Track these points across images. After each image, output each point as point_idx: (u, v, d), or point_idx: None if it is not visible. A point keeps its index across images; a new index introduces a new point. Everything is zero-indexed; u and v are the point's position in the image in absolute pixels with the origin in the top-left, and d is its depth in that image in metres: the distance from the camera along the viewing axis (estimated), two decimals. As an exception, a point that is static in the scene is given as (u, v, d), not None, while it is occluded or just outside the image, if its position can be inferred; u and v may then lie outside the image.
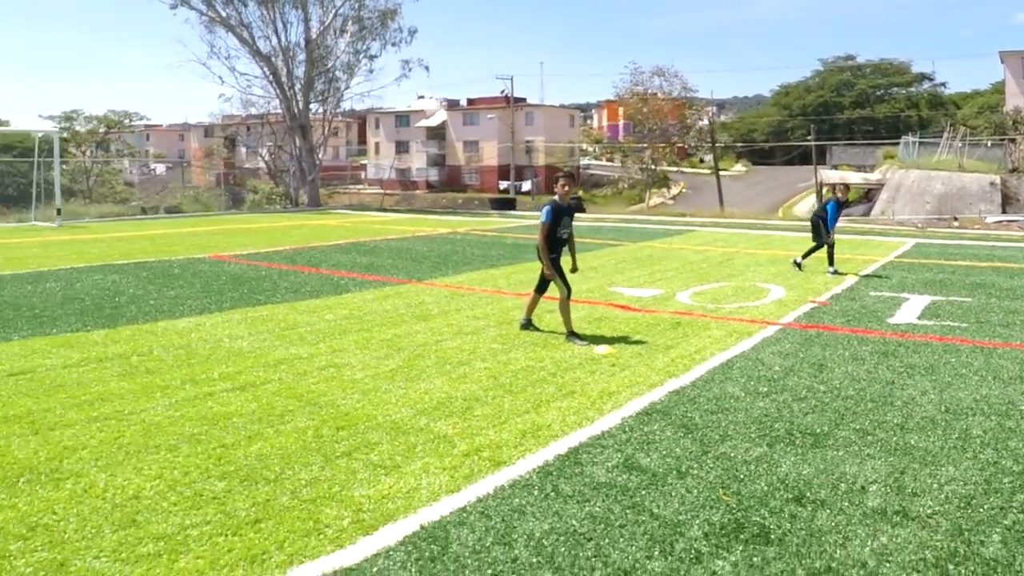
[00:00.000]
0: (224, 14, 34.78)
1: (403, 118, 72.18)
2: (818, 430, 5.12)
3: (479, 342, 7.52)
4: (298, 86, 36.16)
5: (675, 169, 51.10)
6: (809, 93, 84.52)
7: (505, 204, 35.71)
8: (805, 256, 13.20)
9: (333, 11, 35.98)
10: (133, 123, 67.54)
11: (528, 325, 8.07)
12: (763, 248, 16.99)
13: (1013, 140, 39.92)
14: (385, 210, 34.94)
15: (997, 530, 3.67)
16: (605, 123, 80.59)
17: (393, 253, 15.44)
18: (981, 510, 3.89)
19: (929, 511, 3.87)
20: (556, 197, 7.78)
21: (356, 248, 16.38)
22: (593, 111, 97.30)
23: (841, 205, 13.01)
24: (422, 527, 3.67)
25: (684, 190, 54.94)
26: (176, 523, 3.60)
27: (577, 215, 30.48)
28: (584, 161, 67.41)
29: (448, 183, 67.63)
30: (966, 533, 3.64)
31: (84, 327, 7.96)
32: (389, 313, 8.96)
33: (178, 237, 19.01)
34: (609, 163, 67.76)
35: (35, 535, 3.44)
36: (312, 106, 37.20)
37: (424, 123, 70.86)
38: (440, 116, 70.88)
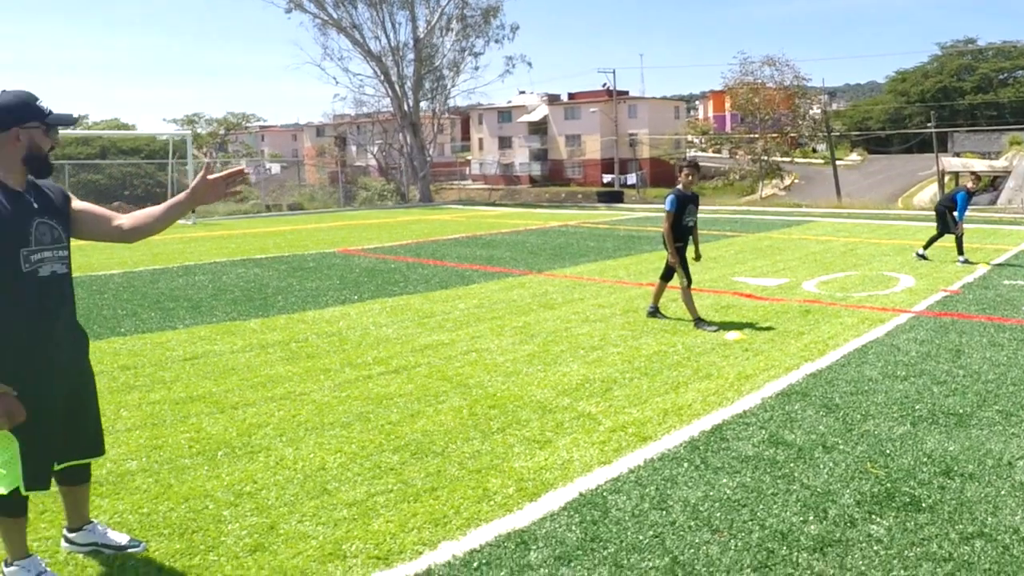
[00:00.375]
0: (335, 16, 36.08)
1: (505, 114, 72.94)
2: (960, 411, 5.13)
3: (608, 329, 7.76)
4: (408, 85, 37.18)
5: (787, 159, 49.83)
6: (927, 79, 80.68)
7: (612, 197, 35.76)
8: (926, 246, 12.89)
9: (439, 10, 36.82)
10: (250, 124, 70.81)
11: (655, 312, 8.25)
12: (887, 238, 16.56)
13: None
14: (494, 205, 35.55)
15: None
16: (711, 114, 79.23)
17: (510, 246, 15.84)
18: None
19: (1088, 490, 3.89)
20: (679, 186, 7.95)
21: (474, 242, 16.87)
22: (697, 102, 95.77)
23: (971, 195, 12.62)
24: (581, 494, 3.94)
25: (796, 180, 53.53)
26: (363, 491, 3.97)
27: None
28: (691, 153, 66.50)
29: (551, 177, 67.96)
30: None
31: (240, 316, 8.61)
32: (516, 302, 9.30)
33: (305, 233, 19.99)
34: (716, 154, 66.65)
35: (242, 502, 3.84)
36: (421, 104, 38.18)
37: (526, 118, 71.39)
38: (542, 111, 71.25)
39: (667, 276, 8.12)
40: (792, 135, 44.80)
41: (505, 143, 72.45)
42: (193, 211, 25.93)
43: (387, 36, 36.57)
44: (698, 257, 8.17)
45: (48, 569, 3.08)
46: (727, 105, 73.71)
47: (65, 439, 3.03)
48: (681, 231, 7.93)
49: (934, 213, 13.33)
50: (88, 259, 14.08)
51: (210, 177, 3.02)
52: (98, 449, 3.21)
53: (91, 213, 3.11)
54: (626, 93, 63.82)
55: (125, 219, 3.11)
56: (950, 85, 77.31)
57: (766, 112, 40.95)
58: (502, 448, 4.59)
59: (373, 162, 54.19)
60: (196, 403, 5.45)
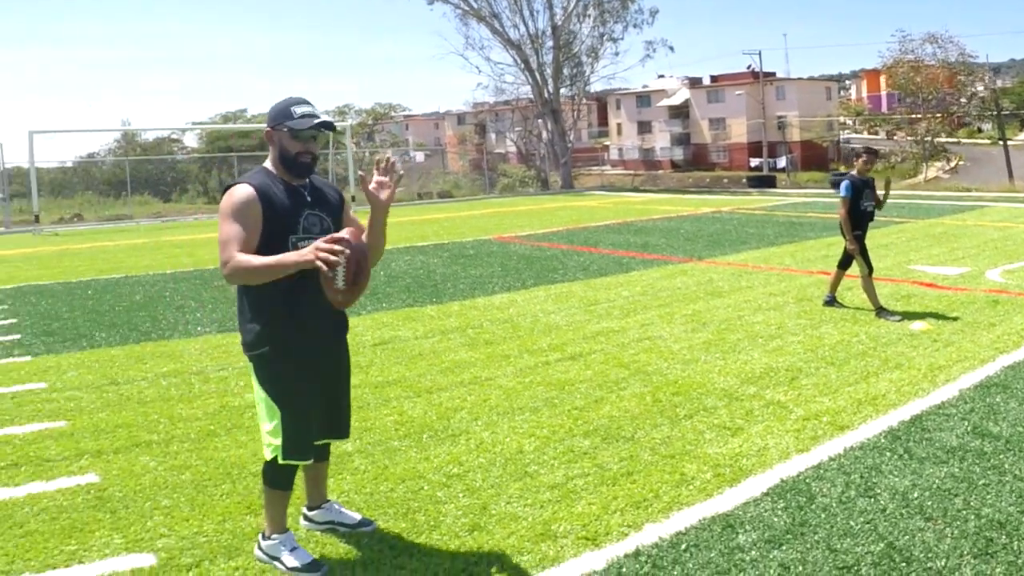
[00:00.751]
0: (475, 5, 36.66)
1: (644, 98, 71.90)
2: None
3: (783, 317, 7.63)
4: (547, 72, 37.36)
5: (953, 140, 46.61)
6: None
7: (764, 182, 34.68)
8: None
9: (575, -3, 36.75)
10: (395, 114, 73.08)
11: (832, 302, 8.03)
12: (1075, 221, 15.32)
13: None
14: (637, 191, 35.26)
15: None
16: (865, 94, 75.14)
17: (664, 233, 15.73)
18: None
19: None
20: (855, 171, 7.79)
21: (626, 229, 16.86)
22: (848, 82, 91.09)
23: None
24: (782, 480, 3.95)
25: (962, 162, 50.07)
26: (561, 475, 4.12)
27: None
28: (844, 135, 63.46)
29: (694, 162, 66.55)
30: None
31: (416, 303, 9.02)
32: (680, 290, 9.27)
33: (458, 220, 20.57)
34: (872, 136, 63.20)
35: (453, 483, 4.05)
36: (561, 90, 38.27)
37: (666, 102, 70.14)
38: (683, 95, 69.81)
39: (845, 264, 7.89)
40: (958, 115, 41.86)
41: (644, 128, 71.48)
42: (353, 199, 27.26)
43: (525, 24, 36.89)
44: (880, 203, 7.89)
45: (299, 546, 3.28)
46: (883, 85, 69.77)
47: (322, 416, 3.24)
48: (858, 217, 7.70)
49: None
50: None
51: (370, 188, 3.13)
52: (347, 430, 3.40)
53: (354, 222, 3.27)
54: (773, 75, 61.55)
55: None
56: None
57: (929, 91, 38.44)
58: (692, 434, 4.65)
59: (512, 149, 54.76)
60: (393, 387, 5.78)
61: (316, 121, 3.06)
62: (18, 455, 4.49)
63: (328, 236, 2.83)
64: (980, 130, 64.68)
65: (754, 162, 57.02)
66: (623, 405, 5.21)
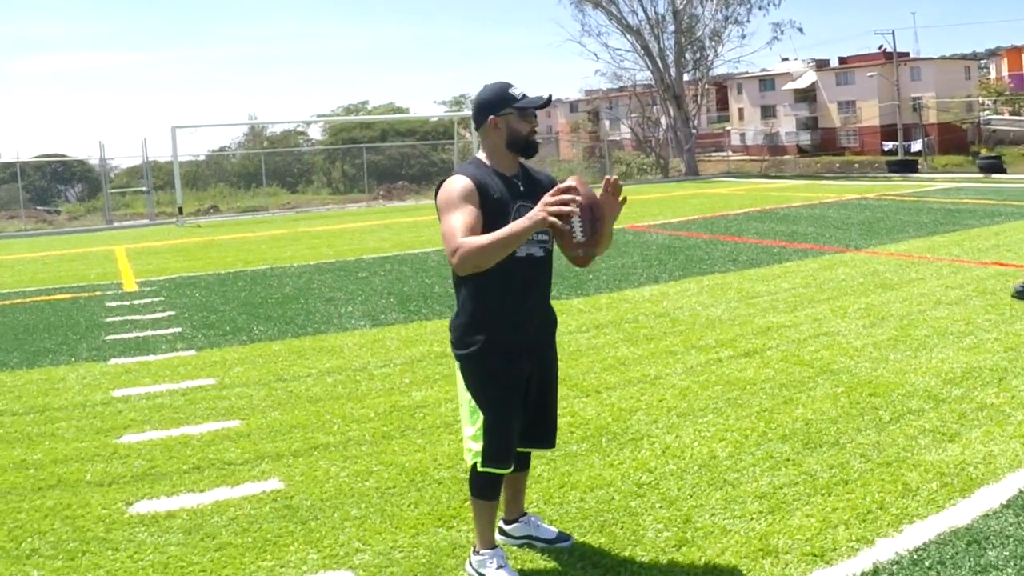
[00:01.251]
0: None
1: (767, 82, 69.26)
2: None
3: (969, 312, 7.00)
4: (669, 57, 36.45)
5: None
6: None
7: (905, 167, 32.76)
8: None
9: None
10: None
11: (1023, 293, 7.32)
12: None
13: None
14: (768, 176, 34.02)
15: None
16: (1006, 73, 70.03)
17: (810, 221, 14.97)
18: None
19: None
20: None
21: (767, 216, 16.15)
22: (984, 61, 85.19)
23: None
24: (1021, 491, 3.53)
25: None
26: (766, 483, 3.79)
27: (997, 176, 27.04)
28: (984, 116, 59.35)
29: (821, 147, 63.65)
30: None
31: (560, 295, 8.75)
32: (845, 282, 8.70)
33: (585, 212, 20.22)
34: (1016, 117, 58.82)
35: (646, 492, 3.77)
36: (684, 76, 37.29)
37: (791, 86, 67.29)
38: (809, 77, 66.84)
39: None
40: None
41: (768, 112, 68.85)
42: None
43: (644, 9, 36.08)
44: None
45: (508, 563, 3.08)
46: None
47: (527, 423, 3.07)
48: None
49: None
50: (399, 238, 15.20)
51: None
52: (553, 439, 3.22)
53: None
54: (906, 55, 58.21)
55: None
56: None
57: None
58: (904, 440, 4.23)
59: (627, 136, 53.89)
60: (560, 386, 5.54)
61: (546, 96, 2.98)
62: (199, 457, 4.48)
63: (554, 188, 2.72)
64: None
65: (887, 146, 54.10)
66: (816, 407, 4.82)
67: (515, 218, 2.85)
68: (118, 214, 28.64)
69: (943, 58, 62.53)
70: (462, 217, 2.78)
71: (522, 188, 3.00)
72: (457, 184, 2.87)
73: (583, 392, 5.35)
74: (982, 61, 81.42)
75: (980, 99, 60.73)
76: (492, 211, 2.86)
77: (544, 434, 3.17)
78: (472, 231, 2.76)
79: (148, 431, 4.95)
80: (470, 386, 2.99)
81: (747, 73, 59.98)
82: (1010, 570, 2.90)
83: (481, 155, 3.05)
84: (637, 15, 36.26)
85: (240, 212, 29.10)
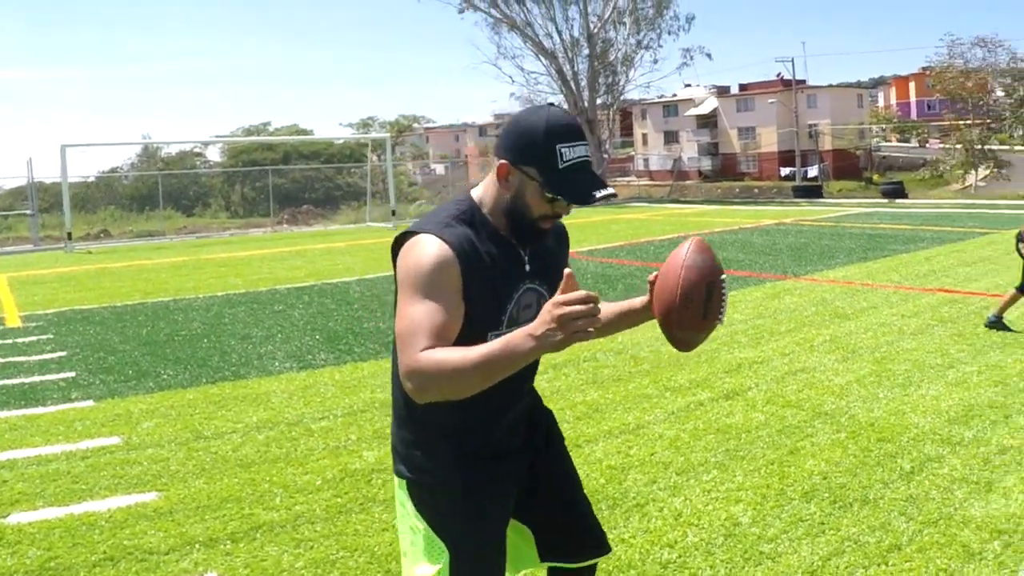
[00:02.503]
0: (508, 13, 35.97)
1: (671, 107, 70.88)
2: None
3: (940, 344, 6.72)
4: (583, 81, 36.61)
5: (1005, 148, 45.38)
6: None
7: (810, 192, 33.65)
8: None
9: (611, 4, 36.00)
10: (419, 126, 72.60)
11: (997, 323, 7.07)
12: None
13: None
14: (678, 202, 34.35)
15: None
16: (894, 101, 73.94)
17: (737, 247, 14.81)
18: None
19: None
20: None
21: (693, 242, 15.94)
22: (874, 90, 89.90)
23: None
24: (1098, 558, 3.07)
25: (995, 171, 48.84)
26: (809, 553, 3.27)
27: (900, 201, 27.85)
28: (874, 143, 62.22)
29: (722, 172, 65.42)
30: None
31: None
32: (797, 312, 8.37)
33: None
34: (904, 144, 61.91)
35: (677, 573, 3.22)
36: (597, 100, 37.49)
37: (693, 112, 69.05)
38: (711, 104, 68.73)
39: None
40: (1007, 120, 40.71)
41: (671, 137, 70.42)
42: (394, 213, 26.52)
43: (559, 32, 36.19)
44: None
45: None
46: (913, 90, 68.54)
47: (561, 533, 2.23)
48: None
49: None
50: (314, 266, 14.27)
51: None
52: (605, 541, 2.30)
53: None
54: (803, 82, 60.53)
55: None
56: None
57: (978, 97, 37.37)
58: (937, 492, 3.77)
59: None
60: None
61: (601, 194, 1.86)
62: (110, 544, 3.59)
63: (566, 285, 1.63)
64: (1013, 136, 63.55)
65: (784, 171, 55.99)
66: (826, 456, 4.32)
67: (511, 314, 1.94)
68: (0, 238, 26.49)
69: (837, 86, 65.34)
70: (430, 312, 1.77)
71: (529, 265, 1.97)
72: (430, 255, 1.81)
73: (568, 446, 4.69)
74: (871, 90, 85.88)
75: (871, 126, 63.71)
76: (482, 300, 1.87)
77: (595, 538, 2.27)
78: (443, 334, 1.77)
79: (42, 508, 4.04)
80: (426, 517, 2.03)
81: (652, 99, 61.15)
82: None
83: (478, 195, 1.95)
84: (553, 39, 36.32)
85: (133, 237, 27.34)
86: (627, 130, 75.46)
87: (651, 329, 7.61)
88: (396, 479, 2.08)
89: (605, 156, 38.09)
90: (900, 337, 7.02)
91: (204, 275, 14.23)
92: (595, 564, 2.33)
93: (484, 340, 1.76)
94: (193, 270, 15.21)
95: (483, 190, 1.93)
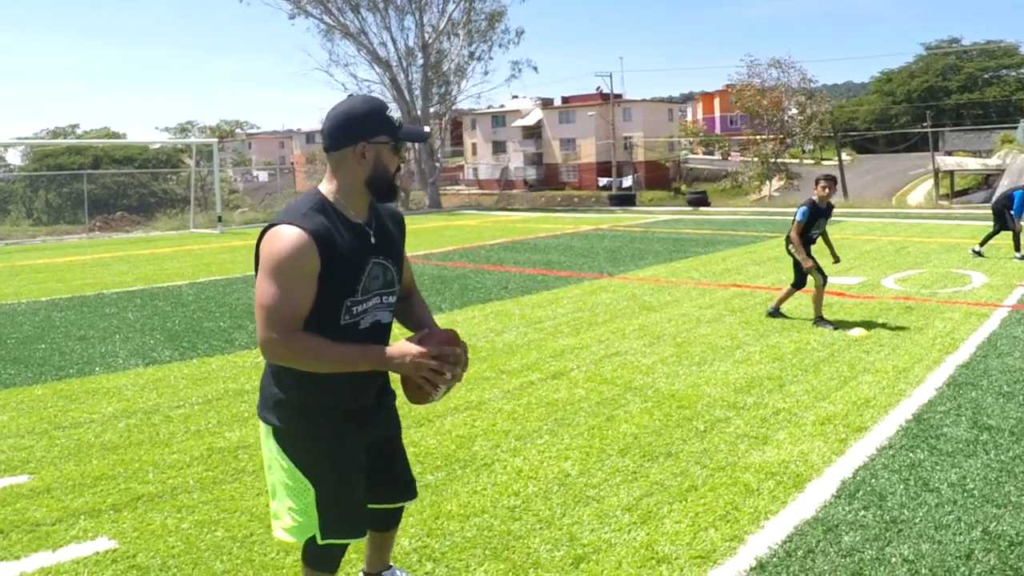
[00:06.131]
0: (342, 21, 35.92)
1: (499, 118, 72.94)
2: None
3: (730, 329, 7.84)
4: (416, 90, 37.11)
5: (795, 161, 50.21)
6: (913, 79, 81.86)
7: (625, 200, 35.93)
8: (983, 243, 13.08)
9: (446, 16, 36.81)
10: (240, 132, 70.35)
11: (776, 313, 8.31)
12: (927, 236, 16.79)
13: None
14: (506, 210, 35.58)
15: None
16: (701, 116, 79.72)
17: (560, 250, 15.89)
18: None
19: None
20: (815, 198, 7.97)
21: (520, 247, 16.90)
22: (683, 105, 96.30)
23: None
24: (843, 483, 4.04)
25: (788, 182, 54.05)
26: (626, 496, 3.98)
27: (704, 209, 30.17)
28: (683, 155, 66.90)
29: (546, 181, 68.09)
30: None
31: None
32: (612, 306, 9.35)
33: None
34: (709, 156, 66.94)
35: (522, 515, 3.79)
36: (430, 109, 38.10)
37: (520, 123, 71.45)
38: (536, 115, 71.37)
39: (799, 283, 8.12)
40: (798, 136, 45.15)
41: (499, 147, 72.46)
42: (220, 219, 25.84)
43: (394, 42, 36.55)
44: (837, 259, 8.30)
45: None
46: (717, 106, 74.12)
47: (385, 481, 2.72)
48: (805, 242, 7.97)
49: (992, 211, 13.54)
50: (140, 271, 13.97)
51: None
52: (415, 490, 2.85)
53: (406, 258, 2.66)
54: (620, 96, 64.12)
55: (417, 297, 2.76)
56: (936, 85, 78.45)
57: (773, 114, 41.30)
58: (725, 445, 4.65)
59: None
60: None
61: (427, 129, 2.57)
62: (-1, 519, 3.82)
63: (433, 340, 2.33)
64: (804, 151, 70.05)
65: (602, 181, 59.08)
66: (638, 422, 5.14)
67: (364, 284, 2.39)
68: None
69: (651, 100, 69.60)
70: (287, 294, 2.21)
71: (374, 239, 2.42)
72: (290, 242, 2.22)
73: (415, 422, 5.26)
74: (680, 105, 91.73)
75: (680, 139, 68.33)
76: (340, 274, 2.30)
77: (404, 486, 2.79)
78: (296, 314, 2.24)
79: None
80: (292, 458, 2.45)
81: (482, 109, 62.68)
82: (870, 551, 3.30)
83: (326, 188, 2.38)
84: (387, 47, 36.54)
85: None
86: (458, 139, 76.71)
87: (485, 322, 8.36)
88: (263, 425, 2.49)
89: (438, 164, 38.78)
90: (697, 325, 8.11)
91: (23, 281, 13.56)
92: (401, 508, 2.89)
93: (339, 306, 2.32)
94: (9, 276, 14.42)
95: (329, 184, 2.38)
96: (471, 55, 37.64)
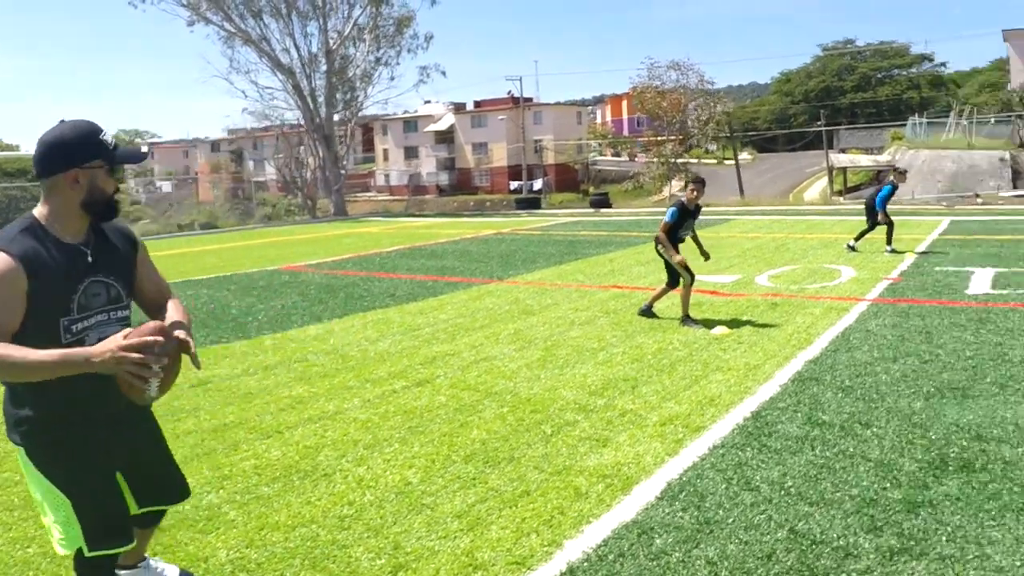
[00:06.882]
0: (243, 28, 35.23)
1: (411, 123, 72.65)
2: (959, 385, 5.61)
3: (599, 331, 8.01)
4: (320, 97, 36.65)
5: (694, 161, 51.45)
6: (811, 79, 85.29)
7: (530, 204, 36.25)
8: (857, 239, 13.68)
9: (351, 21, 36.48)
10: (141, 141, 68.13)
11: (647, 312, 8.53)
12: (809, 233, 17.48)
13: (1021, 116, 40.31)
14: (414, 215, 35.47)
15: None
16: (609, 119, 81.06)
17: (456, 256, 15.95)
18: None
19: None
20: (684, 199, 8.22)
21: (418, 253, 16.89)
22: (592, 108, 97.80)
23: (895, 189, 13.47)
24: (668, 484, 4.15)
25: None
26: (460, 503, 4.03)
27: (605, 210, 30.71)
28: (592, 157, 67.90)
29: (459, 186, 68.16)
30: None
31: (221, 339, 8.45)
32: (494, 311, 9.45)
33: (235, 251, 19.53)
34: (616, 158, 68.12)
35: (350, 525, 3.81)
36: (335, 116, 37.68)
37: (432, 127, 71.33)
38: (448, 120, 71.38)
39: (673, 283, 8.35)
40: (697, 137, 46.35)
41: (411, 153, 72.13)
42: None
43: (297, 48, 36.03)
44: (707, 257, 8.57)
45: None
46: (625, 108, 75.48)
47: (144, 483, 2.78)
48: (673, 241, 8.20)
49: (864, 207, 14.18)
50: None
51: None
52: (177, 493, 2.89)
53: (151, 271, 2.79)
54: (531, 100, 64.68)
55: (170, 302, 2.75)
56: (832, 85, 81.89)
57: (673, 115, 42.28)
58: (566, 449, 4.75)
59: (272, 176, 53.01)
60: (235, 430, 5.37)
61: (144, 150, 2.71)
62: None
63: (135, 332, 2.31)
64: (707, 151, 71.89)
65: (513, 185, 59.49)
66: (489, 427, 5.21)
67: (80, 302, 2.46)
68: None
69: (561, 104, 70.42)
70: None
71: (91, 258, 2.51)
72: None
73: (263, 434, 5.22)
74: (590, 108, 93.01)
75: (588, 142, 69.33)
76: (51, 296, 2.38)
77: (169, 488, 2.86)
78: (4, 330, 2.29)
79: None
80: (44, 473, 2.53)
81: (393, 115, 62.29)
82: (677, 554, 3.41)
83: (39, 212, 2.48)
84: (290, 54, 35.97)
85: None
86: (369, 145, 76.03)
87: (360, 331, 8.34)
88: (16, 447, 2.57)
89: (343, 171, 38.36)
90: (570, 327, 8.26)
91: None
92: (163, 511, 2.96)
93: (56, 325, 2.40)
94: None
95: (42, 208, 2.47)
96: (378, 60, 37.41)
